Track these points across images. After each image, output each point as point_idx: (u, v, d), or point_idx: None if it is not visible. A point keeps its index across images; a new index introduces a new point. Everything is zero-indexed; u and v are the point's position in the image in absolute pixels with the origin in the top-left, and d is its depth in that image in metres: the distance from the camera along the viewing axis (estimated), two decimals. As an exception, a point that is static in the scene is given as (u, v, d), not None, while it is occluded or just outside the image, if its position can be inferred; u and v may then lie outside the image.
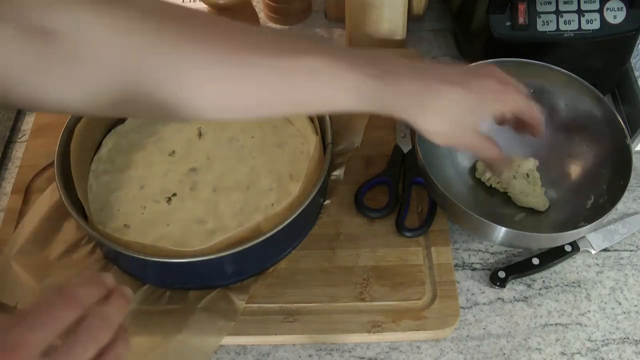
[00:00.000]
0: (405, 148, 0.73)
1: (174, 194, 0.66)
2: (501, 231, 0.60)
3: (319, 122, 0.68)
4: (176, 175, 0.68)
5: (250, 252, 0.58)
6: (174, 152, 0.70)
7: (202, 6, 0.87)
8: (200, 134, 0.71)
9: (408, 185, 0.70)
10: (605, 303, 0.65)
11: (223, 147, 0.70)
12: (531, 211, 0.68)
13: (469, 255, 0.68)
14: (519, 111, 0.53)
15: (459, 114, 0.49)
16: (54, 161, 0.64)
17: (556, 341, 0.62)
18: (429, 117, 0.48)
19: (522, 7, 0.71)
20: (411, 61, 0.49)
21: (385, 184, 0.71)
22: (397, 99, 0.47)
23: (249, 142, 0.71)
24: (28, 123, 0.80)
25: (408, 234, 0.67)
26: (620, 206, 0.70)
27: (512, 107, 0.53)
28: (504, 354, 0.61)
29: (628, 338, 0.62)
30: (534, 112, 0.55)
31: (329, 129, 0.67)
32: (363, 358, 0.61)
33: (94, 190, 0.67)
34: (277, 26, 0.91)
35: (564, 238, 0.63)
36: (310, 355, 0.62)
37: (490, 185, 0.69)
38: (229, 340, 0.62)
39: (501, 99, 0.52)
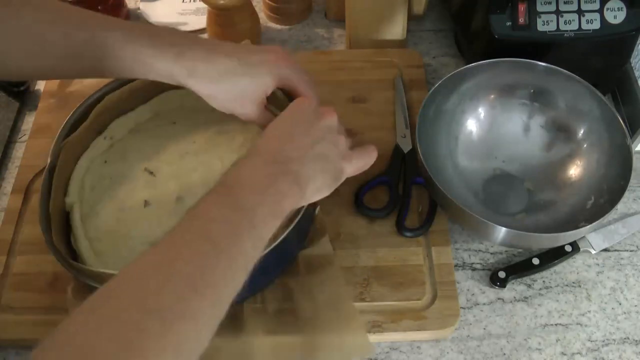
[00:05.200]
0: (405, 148, 0.73)
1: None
2: (501, 231, 0.60)
3: None
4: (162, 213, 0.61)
5: None
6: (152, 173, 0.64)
7: (202, 6, 0.87)
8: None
9: (408, 185, 0.70)
10: (606, 303, 0.64)
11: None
12: (531, 211, 0.68)
13: (469, 255, 0.68)
14: (288, 81, 0.57)
15: (230, 81, 0.55)
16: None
17: (556, 341, 0.62)
18: (204, 84, 0.55)
19: (522, 7, 0.71)
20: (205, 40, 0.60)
21: (386, 184, 0.71)
22: (178, 67, 0.54)
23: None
24: (28, 123, 0.79)
25: (408, 234, 0.67)
26: (621, 206, 0.70)
27: (283, 77, 0.56)
28: (504, 354, 0.61)
29: (628, 338, 0.62)
30: (303, 84, 0.57)
31: None
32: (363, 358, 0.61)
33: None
34: (278, 26, 0.91)
35: (564, 238, 0.63)
36: (310, 356, 0.62)
37: None
38: (229, 341, 0.62)
39: (273, 71, 0.56)
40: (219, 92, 0.55)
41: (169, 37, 0.55)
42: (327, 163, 0.52)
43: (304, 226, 0.64)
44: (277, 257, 0.55)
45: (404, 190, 0.70)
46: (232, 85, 0.55)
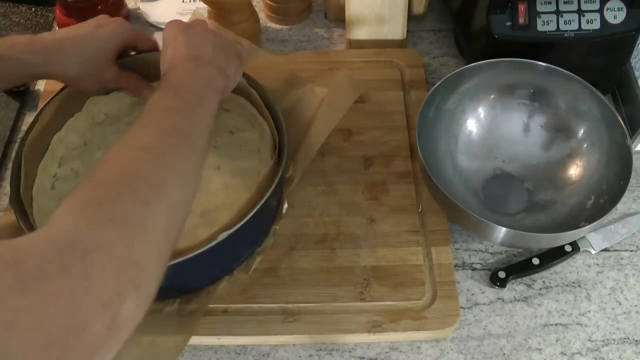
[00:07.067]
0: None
1: None
2: (501, 231, 0.60)
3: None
4: None
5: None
6: None
7: (202, 6, 0.87)
8: None
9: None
10: (606, 303, 0.64)
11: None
12: (531, 211, 0.68)
13: (469, 255, 0.68)
14: (131, 35, 0.67)
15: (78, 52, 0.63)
16: None
17: (556, 341, 0.62)
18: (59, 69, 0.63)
19: (522, 7, 0.71)
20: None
21: (385, 184, 0.71)
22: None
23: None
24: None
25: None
26: (620, 206, 0.70)
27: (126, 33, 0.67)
28: (504, 354, 0.61)
29: (628, 338, 0.62)
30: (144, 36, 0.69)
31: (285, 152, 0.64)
32: (363, 358, 0.61)
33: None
34: (278, 26, 0.91)
35: (564, 238, 0.63)
36: (310, 355, 0.62)
37: None
38: (229, 341, 0.62)
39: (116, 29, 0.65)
40: (72, 66, 0.62)
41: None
42: (228, 51, 0.60)
43: (277, 193, 0.65)
44: (257, 225, 0.62)
45: (404, 190, 0.70)
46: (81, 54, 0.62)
